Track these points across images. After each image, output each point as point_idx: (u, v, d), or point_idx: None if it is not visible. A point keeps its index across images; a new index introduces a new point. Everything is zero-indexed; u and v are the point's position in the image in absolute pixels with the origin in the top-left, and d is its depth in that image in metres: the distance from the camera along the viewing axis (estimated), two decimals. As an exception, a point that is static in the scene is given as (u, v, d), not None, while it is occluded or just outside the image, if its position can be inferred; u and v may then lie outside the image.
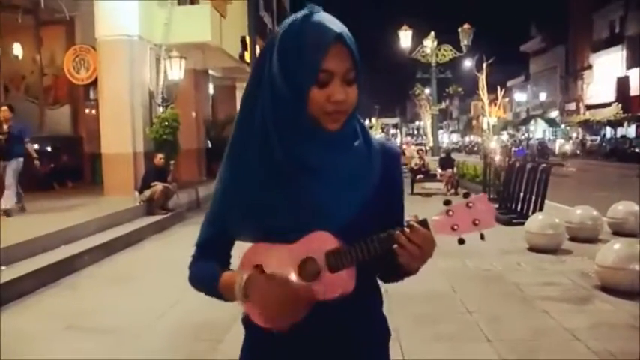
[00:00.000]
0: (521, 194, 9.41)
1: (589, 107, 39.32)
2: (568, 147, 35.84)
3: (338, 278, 1.14)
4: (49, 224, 7.05)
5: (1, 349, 3.89)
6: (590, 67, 39.90)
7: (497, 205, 10.36)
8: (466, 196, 1.14)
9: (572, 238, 7.30)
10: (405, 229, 1.12)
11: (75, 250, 6.50)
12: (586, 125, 39.22)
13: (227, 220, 1.25)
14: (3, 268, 5.41)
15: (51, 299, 5.23)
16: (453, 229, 1.11)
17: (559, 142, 38.69)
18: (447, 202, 1.14)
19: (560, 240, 6.91)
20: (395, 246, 1.12)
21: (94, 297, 5.33)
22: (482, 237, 1.12)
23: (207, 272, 1.27)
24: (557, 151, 35.33)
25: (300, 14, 1.17)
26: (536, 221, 7.07)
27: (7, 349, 3.91)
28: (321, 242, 1.15)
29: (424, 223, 1.12)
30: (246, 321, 1.26)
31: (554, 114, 46.48)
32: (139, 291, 5.52)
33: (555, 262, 6.24)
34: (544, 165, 9.41)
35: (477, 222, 1.10)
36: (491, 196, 11.65)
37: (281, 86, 1.17)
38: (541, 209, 8.73)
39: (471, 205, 1.11)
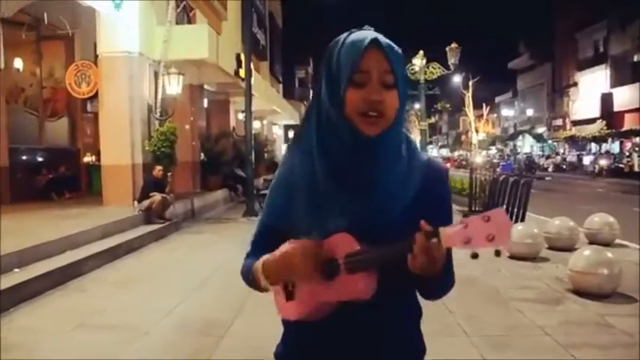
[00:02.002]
0: (505, 206, 9.86)
1: (575, 123, 40.12)
2: (551, 162, 36.63)
3: (354, 282, 1.16)
4: (54, 231, 7.37)
5: (18, 346, 4.24)
6: (575, 84, 40.78)
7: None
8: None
9: (551, 247, 7.75)
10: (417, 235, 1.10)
11: (80, 256, 6.84)
12: (572, 141, 39.97)
13: (273, 214, 1.34)
14: (16, 270, 5.75)
15: (61, 300, 5.58)
16: (465, 242, 1.05)
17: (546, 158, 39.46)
18: (466, 215, 1.24)
19: (538, 248, 7.35)
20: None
21: (102, 298, 5.68)
22: (497, 254, 1.08)
23: (246, 266, 1.33)
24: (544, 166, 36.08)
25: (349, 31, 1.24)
26: (516, 231, 7.49)
27: (23, 345, 4.27)
28: (344, 244, 1.18)
29: (435, 233, 1.09)
30: (285, 320, 1.32)
31: (541, 129, 47.30)
32: (144, 293, 5.88)
33: (532, 268, 6.68)
34: (526, 179, 9.87)
35: (491, 237, 1.04)
36: (477, 208, 12.12)
37: (324, 93, 1.24)
38: (523, 220, 9.20)
39: (487, 218, 1.05)
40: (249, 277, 1.31)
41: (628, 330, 4.34)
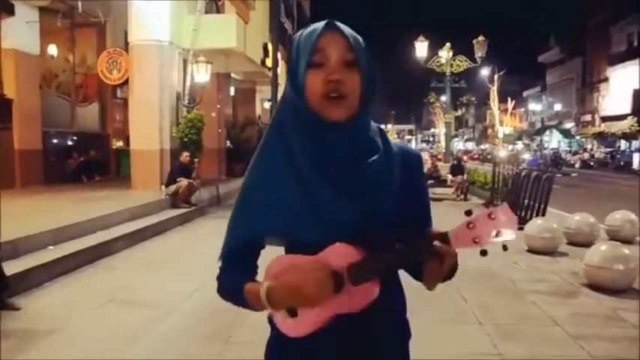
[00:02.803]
0: (526, 201, 9.89)
1: (604, 119, 39.48)
2: (578, 158, 36.03)
3: (361, 290, 1.14)
4: (85, 212, 7.69)
5: (53, 317, 4.52)
6: (606, 79, 40.07)
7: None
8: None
9: (570, 243, 7.79)
10: (426, 242, 1.09)
11: (110, 236, 7.15)
12: (601, 137, 39.35)
13: (252, 223, 1.24)
14: (51, 247, 6.06)
15: (92, 277, 5.88)
16: (474, 241, 1.07)
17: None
18: (469, 212, 1.10)
19: (556, 243, 7.41)
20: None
21: (130, 277, 5.95)
22: (504, 248, 1.09)
23: (233, 286, 1.25)
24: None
25: None
26: (535, 225, 7.57)
27: (58, 317, 4.55)
28: (343, 255, 1.14)
29: (444, 237, 1.08)
30: (272, 319, 1.27)
31: (569, 125, 46.63)
32: (169, 274, 6.13)
33: (550, 262, 6.75)
34: (547, 174, 9.87)
35: (499, 233, 1.07)
36: (498, 202, 12.14)
37: (287, 85, 1.22)
38: (544, 214, 9.22)
39: (493, 215, 1.06)
40: (238, 298, 1.24)
41: (637, 324, 4.42)
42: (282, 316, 1.20)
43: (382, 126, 1.30)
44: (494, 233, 1.06)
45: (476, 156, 46.21)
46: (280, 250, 1.26)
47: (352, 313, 1.16)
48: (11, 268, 5.02)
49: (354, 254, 1.14)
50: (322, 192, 1.17)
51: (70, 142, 14.26)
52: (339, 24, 1.18)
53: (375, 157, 1.21)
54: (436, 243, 1.08)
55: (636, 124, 33.64)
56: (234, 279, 1.25)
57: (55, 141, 13.58)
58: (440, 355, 3.69)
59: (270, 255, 1.25)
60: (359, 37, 1.20)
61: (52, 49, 13.68)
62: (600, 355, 3.79)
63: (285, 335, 1.21)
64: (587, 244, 7.69)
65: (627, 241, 7.81)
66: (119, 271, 6.19)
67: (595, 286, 5.48)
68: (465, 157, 17.15)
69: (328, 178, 1.17)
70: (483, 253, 1.08)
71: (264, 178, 1.23)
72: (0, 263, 4.63)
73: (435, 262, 1.09)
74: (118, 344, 3.98)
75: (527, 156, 32.23)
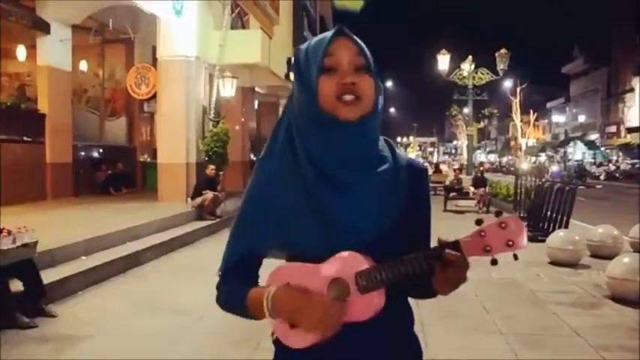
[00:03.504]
0: (549, 213, 9.89)
1: (630, 130, 38.93)
2: (603, 169, 35.57)
3: (368, 299, 1.12)
4: (115, 223, 7.93)
5: (90, 322, 4.72)
6: (632, 90, 39.58)
7: (526, 223, 10.87)
8: (498, 214, 1.10)
9: (594, 255, 7.79)
10: (438, 250, 1.09)
11: (139, 247, 7.37)
12: (626, 148, 38.81)
13: (252, 236, 1.23)
14: (83, 258, 6.30)
15: (124, 286, 6.09)
16: (485, 250, 1.07)
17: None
18: (479, 222, 1.09)
19: (579, 255, 7.42)
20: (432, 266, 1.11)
21: (160, 285, 6.16)
22: (515, 257, 1.09)
23: (235, 293, 1.24)
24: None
25: None
26: (557, 237, 7.61)
27: (94, 322, 4.75)
28: (350, 263, 1.13)
29: (456, 245, 1.08)
30: (277, 340, 1.23)
31: (593, 136, 46.09)
32: (198, 282, 6.29)
33: (572, 274, 6.78)
34: (570, 186, 9.87)
35: (510, 243, 1.07)
36: (522, 215, 12.14)
37: (296, 95, 1.23)
38: (566, 227, 9.22)
39: (504, 225, 1.07)
40: (238, 307, 1.24)
41: (661, 335, 4.46)
42: (283, 326, 1.18)
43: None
44: (505, 242, 1.06)
45: (491, 167, 45.87)
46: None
47: (357, 334, 1.15)
48: (48, 276, 5.25)
49: (362, 262, 1.12)
50: (324, 196, 1.16)
51: (98, 155, 14.65)
52: (347, 31, 1.20)
53: (384, 167, 1.22)
54: (447, 251, 1.07)
55: (663, 136, 33.17)
56: (237, 286, 1.24)
57: (84, 154, 13.97)
58: (462, 362, 3.79)
59: (272, 266, 1.22)
60: (366, 48, 1.21)
61: (83, 65, 14.14)
62: (621, 364, 3.85)
63: (289, 354, 1.19)
64: (610, 257, 7.65)
65: (652, 254, 7.79)
66: (150, 280, 6.41)
67: (618, 298, 5.51)
68: (482, 168, 17.17)
69: (332, 183, 1.17)
70: (494, 262, 1.09)
71: (266, 189, 1.23)
72: (37, 272, 4.86)
73: (446, 271, 1.08)
74: (153, 348, 4.16)
75: (554, 168, 32.01)
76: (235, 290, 1.24)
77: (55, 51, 11.51)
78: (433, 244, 1.12)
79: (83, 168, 13.42)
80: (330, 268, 1.14)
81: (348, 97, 1.15)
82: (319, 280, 1.14)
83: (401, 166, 1.25)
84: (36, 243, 4.87)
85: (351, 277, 1.12)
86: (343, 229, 1.15)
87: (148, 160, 15.75)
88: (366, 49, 1.20)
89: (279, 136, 1.25)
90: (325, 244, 1.14)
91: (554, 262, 7.31)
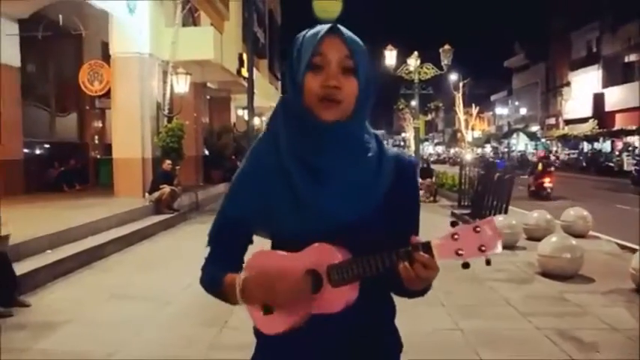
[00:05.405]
0: (490, 200, 10.61)
1: (568, 122, 40.95)
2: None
3: (340, 293, 1.12)
4: (74, 218, 8.07)
5: (63, 311, 4.98)
6: (568, 84, 41.59)
7: (469, 211, 11.61)
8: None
9: (529, 238, 8.50)
10: (408, 250, 1.09)
11: (101, 240, 7.61)
12: (565, 139, 40.79)
13: (238, 208, 1.28)
14: (49, 251, 6.49)
15: (91, 277, 6.35)
16: (457, 253, 1.06)
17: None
18: (454, 223, 1.08)
19: (516, 238, 8.10)
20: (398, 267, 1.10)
21: (125, 276, 6.43)
22: (488, 262, 1.08)
23: (214, 277, 1.29)
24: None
25: None
26: (496, 222, 8.23)
27: (67, 311, 5.01)
28: (324, 255, 1.13)
29: (427, 247, 1.08)
30: (257, 331, 1.27)
31: (535, 128, 48.13)
32: (161, 273, 6.62)
33: (509, 255, 7.43)
34: (508, 176, 10.62)
35: (483, 247, 1.06)
36: (465, 203, 12.90)
37: (287, 84, 1.24)
38: (506, 212, 9.95)
39: (478, 229, 1.06)
40: (217, 291, 1.28)
41: (580, 303, 5.11)
42: (258, 313, 1.19)
43: None
44: (478, 247, 1.06)
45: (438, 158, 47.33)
46: (267, 246, 1.30)
47: (337, 326, 1.17)
48: (17, 269, 5.43)
49: (335, 255, 1.12)
50: (303, 183, 1.19)
51: (49, 152, 14.50)
52: (342, 29, 1.20)
53: (367, 157, 1.23)
54: (418, 253, 1.07)
55: (597, 127, 35.06)
56: (217, 270, 1.28)
57: (35, 151, 13.83)
58: (411, 330, 4.28)
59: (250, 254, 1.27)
60: (360, 42, 1.22)
61: (32, 61, 13.94)
62: (544, 326, 4.44)
63: (270, 347, 1.23)
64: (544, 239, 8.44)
65: (580, 236, 8.58)
66: (114, 272, 6.66)
67: (547, 274, 6.17)
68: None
69: (312, 172, 1.19)
70: (465, 265, 1.09)
71: (254, 168, 1.27)
72: (10, 264, 5.07)
73: (416, 270, 1.08)
74: (125, 331, 4.47)
75: (491, 159, 33.35)
76: (215, 275, 1.28)
77: (2, 46, 11.38)
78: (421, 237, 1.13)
79: (34, 165, 13.29)
80: (304, 258, 1.15)
81: (329, 100, 1.17)
82: (293, 270, 1.15)
83: (387, 159, 1.26)
84: (8, 236, 5.07)
85: (323, 270, 1.13)
86: (317, 214, 1.18)
87: (100, 156, 15.71)
88: (358, 49, 1.20)
89: (274, 117, 1.28)
90: (299, 227, 1.18)
91: (493, 245, 7.94)
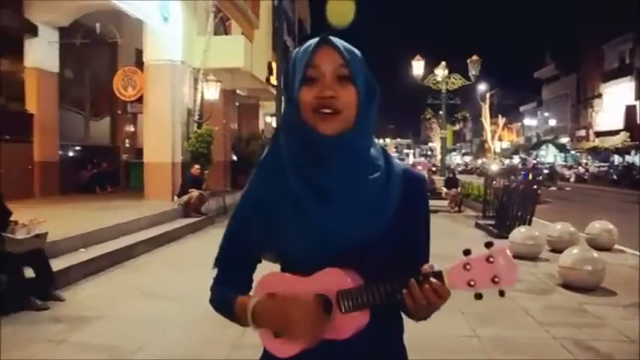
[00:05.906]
0: (514, 211, 10.61)
1: (598, 134, 40.38)
2: (573, 172, 36.79)
3: (351, 319, 1.10)
4: (106, 219, 8.39)
5: (95, 307, 5.22)
6: (600, 95, 41.06)
7: (493, 222, 11.61)
8: (488, 245, 1.04)
9: (553, 250, 8.50)
10: (419, 279, 1.06)
11: (132, 241, 7.89)
12: (595, 152, 40.20)
13: (245, 231, 1.25)
14: (82, 250, 6.77)
15: (122, 276, 6.61)
16: (469, 284, 1.03)
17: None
18: (467, 252, 1.04)
19: (539, 250, 8.12)
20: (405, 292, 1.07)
21: (155, 275, 6.69)
22: (501, 294, 1.04)
23: (224, 297, 1.26)
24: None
25: None
26: (519, 233, 8.30)
27: (99, 307, 5.26)
28: (334, 280, 1.11)
29: (439, 276, 1.05)
30: (266, 353, 1.26)
31: (564, 140, 47.53)
32: (189, 273, 6.79)
33: (531, 266, 7.46)
34: (533, 187, 10.61)
35: (496, 279, 1.02)
36: (490, 214, 12.88)
37: (284, 100, 1.23)
38: (529, 224, 9.95)
39: (492, 259, 1.02)
40: (227, 312, 1.26)
41: (599, 315, 5.14)
42: (268, 335, 1.17)
43: (381, 140, 1.37)
44: (491, 278, 1.02)
45: (465, 169, 47.15)
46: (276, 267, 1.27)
47: (345, 344, 1.13)
48: (53, 265, 5.72)
49: (345, 281, 1.10)
50: (309, 203, 1.15)
51: (83, 155, 14.97)
52: (333, 39, 1.17)
53: (374, 175, 1.19)
54: (431, 281, 1.05)
55: (629, 139, 34.49)
56: (227, 290, 1.26)
57: (70, 153, 14.31)
58: (428, 334, 4.39)
59: (266, 271, 1.26)
60: (355, 50, 1.19)
61: (69, 67, 14.45)
62: (561, 336, 4.50)
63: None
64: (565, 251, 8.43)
65: (606, 249, 8.55)
66: (144, 271, 6.92)
67: (567, 286, 6.19)
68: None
69: (316, 191, 1.15)
70: (478, 296, 1.05)
71: (258, 190, 1.25)
72: (47, 260, 5.34)
73: (426, 298, 1.06)
74: (152, 329, 4.68)
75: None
76: (225, 296, 1.26)
77: (42, 53, 11.88)
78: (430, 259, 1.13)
79: (69, 167, 13.75)
80: (314, 283, 1.12)
81: (326, 111, 1.13)
82: (303, 295, 1.12)
83: (394, 175, 1.22)
84: (46, 234, 5.35)
85: (333, 295, 1.11)
86: (323, 234, 1.14)
87: (131, 159, 16.13)
88: (353, 57, 1.17)
89: (278, 132, 1.26)
90: (306, 248, 1.15)
91: (516, 256, 7.60)
